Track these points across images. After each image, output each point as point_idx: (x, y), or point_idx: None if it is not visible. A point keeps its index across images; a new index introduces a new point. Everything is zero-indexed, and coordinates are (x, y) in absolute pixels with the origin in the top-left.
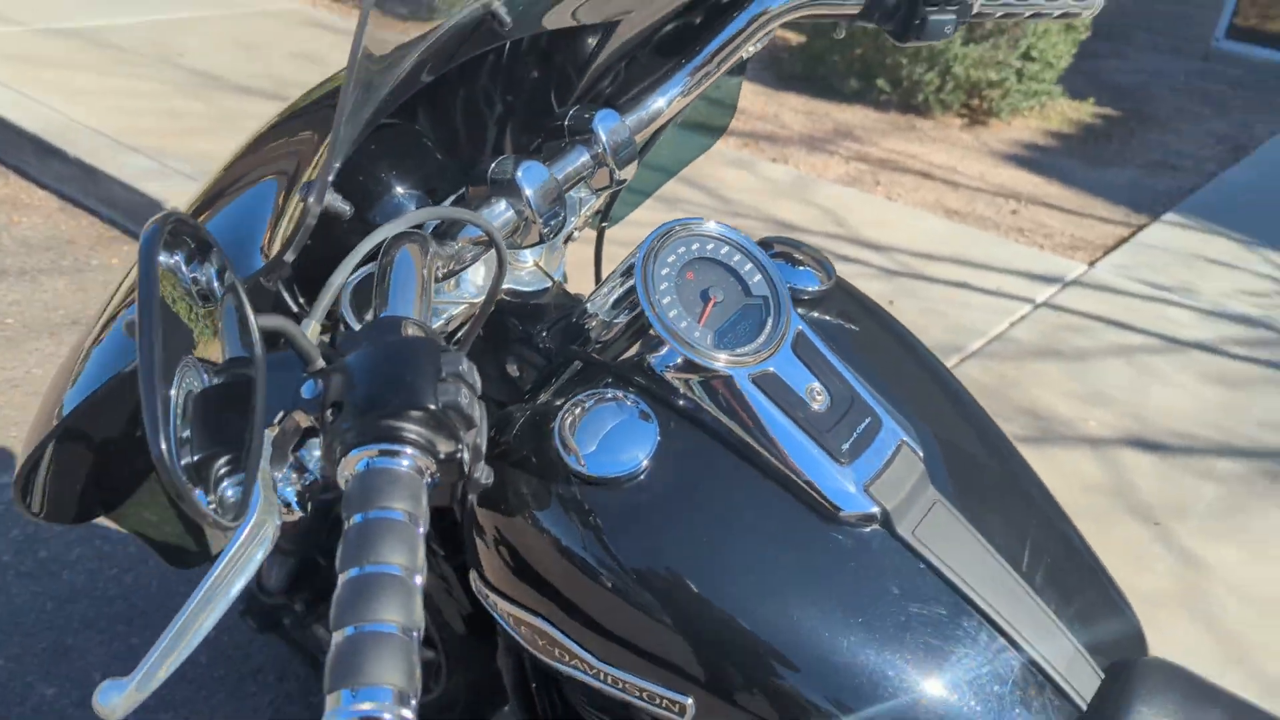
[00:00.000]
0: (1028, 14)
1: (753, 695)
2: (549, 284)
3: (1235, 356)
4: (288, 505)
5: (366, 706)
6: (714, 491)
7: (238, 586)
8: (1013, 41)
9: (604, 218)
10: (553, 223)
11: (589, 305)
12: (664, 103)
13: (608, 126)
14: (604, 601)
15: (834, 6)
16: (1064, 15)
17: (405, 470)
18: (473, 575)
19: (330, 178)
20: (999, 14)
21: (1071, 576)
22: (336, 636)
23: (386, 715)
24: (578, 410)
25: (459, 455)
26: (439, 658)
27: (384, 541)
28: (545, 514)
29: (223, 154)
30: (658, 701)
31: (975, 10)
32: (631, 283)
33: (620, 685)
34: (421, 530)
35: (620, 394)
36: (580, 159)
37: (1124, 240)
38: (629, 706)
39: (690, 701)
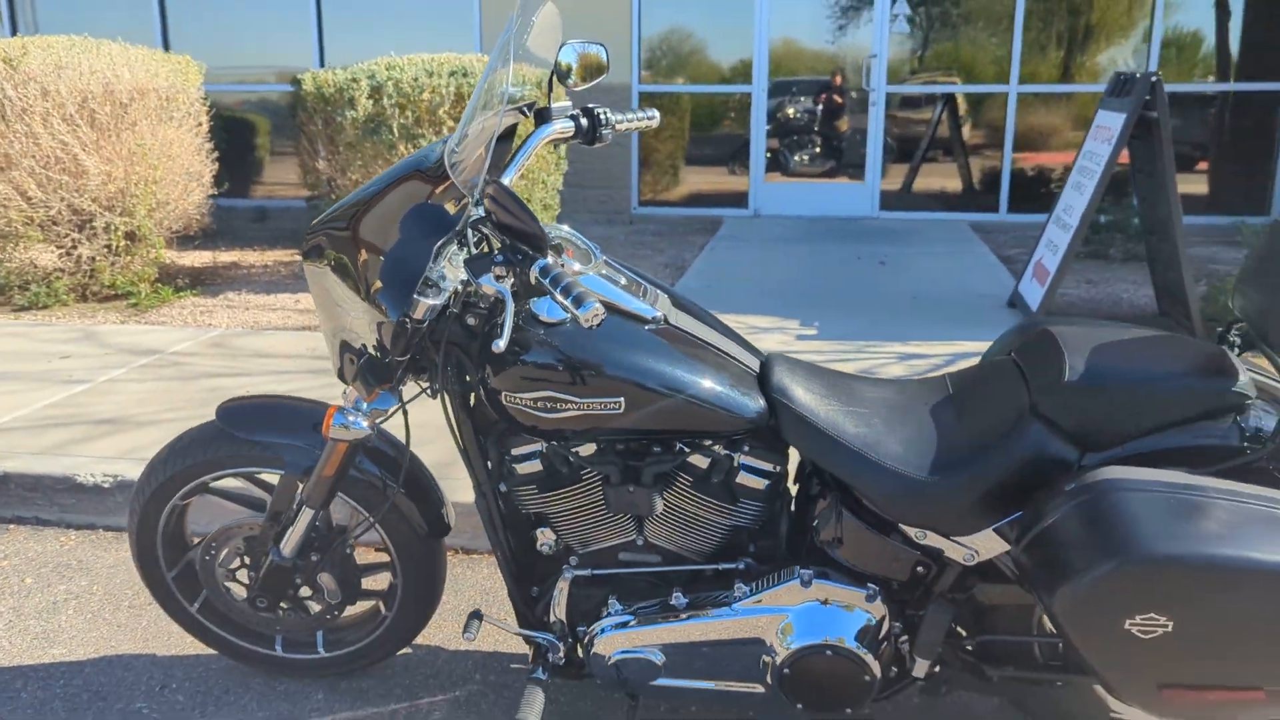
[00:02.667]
0: (633, 129)
1: (643, 390)
2: None
3: None
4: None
5: None
6: (609, 325)
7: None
8: None
9: None
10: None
11: None
12: (510, 177)
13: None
14: (582, 366)
15: (561, 134)
16: (647, 128)
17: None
18: (504, 395)
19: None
20: (622, 129)
21: (720, 326)
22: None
23: None
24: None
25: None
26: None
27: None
28: (545, 346)
29: None
30: (606, 406)
31: (617, 130)
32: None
33: (587, 406)
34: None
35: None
36: None
37: None
38: (582, 421)
39: (621, 399)
